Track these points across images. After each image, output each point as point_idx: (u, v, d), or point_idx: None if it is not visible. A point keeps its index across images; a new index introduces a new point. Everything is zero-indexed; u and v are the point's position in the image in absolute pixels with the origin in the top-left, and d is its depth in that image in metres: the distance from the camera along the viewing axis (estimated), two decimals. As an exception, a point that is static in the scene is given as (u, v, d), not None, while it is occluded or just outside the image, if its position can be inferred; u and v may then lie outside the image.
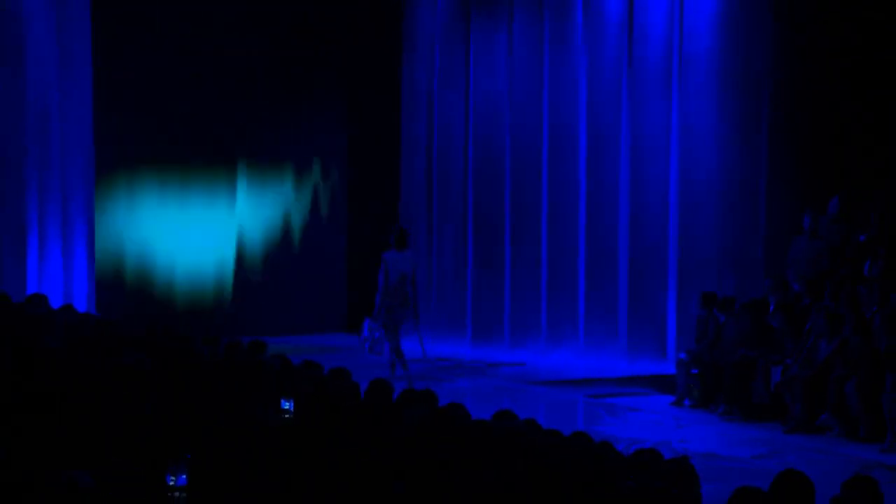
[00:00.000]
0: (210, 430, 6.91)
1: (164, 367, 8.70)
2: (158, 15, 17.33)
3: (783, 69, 15.37)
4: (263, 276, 18.45)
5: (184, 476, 5.75)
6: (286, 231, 18.73)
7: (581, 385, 15.04)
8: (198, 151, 17.84)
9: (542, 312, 17.27)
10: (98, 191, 16.55)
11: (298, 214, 18.85)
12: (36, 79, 15.47)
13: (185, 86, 17.54)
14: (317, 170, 18.92)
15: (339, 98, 19.04)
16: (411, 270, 14.91)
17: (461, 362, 16.79)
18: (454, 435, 7.00)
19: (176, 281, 17.64)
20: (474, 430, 7.19)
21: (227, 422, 7.23)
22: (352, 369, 9.13)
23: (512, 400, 13.66)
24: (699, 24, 15.81)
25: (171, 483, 5.74)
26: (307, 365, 9.44)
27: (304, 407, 7.59)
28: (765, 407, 12.79)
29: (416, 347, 14.85)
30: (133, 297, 16.78)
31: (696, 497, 6.11)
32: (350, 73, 18.98)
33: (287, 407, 7.54)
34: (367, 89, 19.00)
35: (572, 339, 17.04)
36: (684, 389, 13.60)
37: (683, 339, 15.11)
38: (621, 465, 6.52)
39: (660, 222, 16.29)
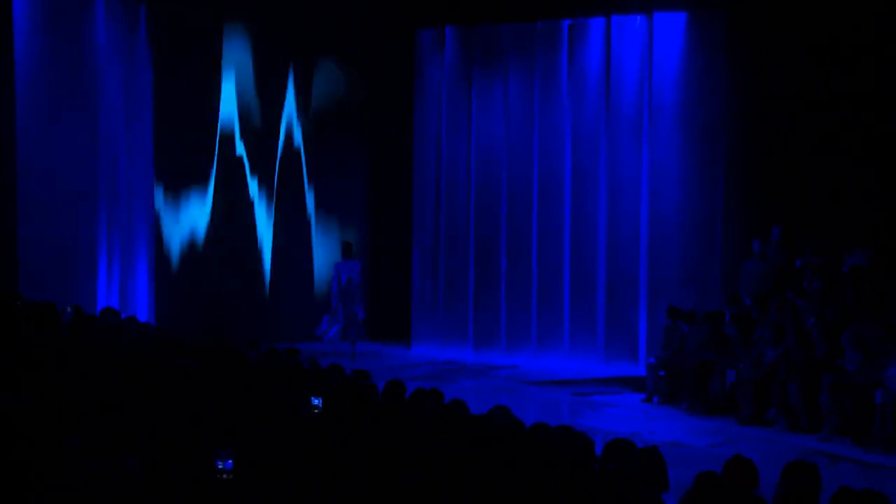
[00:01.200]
0: (252, 422, 6.93)
1: (214, 369, 8.73)
2: (211, 65, 17.37)
3: (737, 119, 15.50)
4: (298, 291, 18.43)
5: (230, 461, 5.79)
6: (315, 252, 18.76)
7: (567, 385, 15.01)
8: (239, 182, 17.87)
9: (533, 323, 17.28)
10: (157, 220, 16.60)
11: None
12: (106, 125, 15.47)
13: (233, 131, 17.60)
14: (343, 201, 18.94)
15: (363, 142, 19.06)
16: (357, 275, 16.64)
17: (464, 365, 16.76)
18: (457, 427, 7.03)
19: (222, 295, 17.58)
20: (474, 422, 7.21)
21: (266, 415, 7.25)
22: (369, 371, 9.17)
23: (508, 397, 13.67)
24: (665, 80, 15.94)
25: (220, 467, 5.78)
26: (333, 367, 9.47)
27: (331, 403, 7.61)
28: (721, 403, 12.80)
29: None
30: (186, 311, 16.72)
31: (664, 479, 6.14)
32: (372, 121, 19.02)
33: (316, 403, 7.57)
34: (386, 134, 19.05)
35: (559, 346, 17.04)
36: (653, 388, 13.61)
37: (652, 346, 15.14)
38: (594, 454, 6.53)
39: (632, 247, 16.36)
